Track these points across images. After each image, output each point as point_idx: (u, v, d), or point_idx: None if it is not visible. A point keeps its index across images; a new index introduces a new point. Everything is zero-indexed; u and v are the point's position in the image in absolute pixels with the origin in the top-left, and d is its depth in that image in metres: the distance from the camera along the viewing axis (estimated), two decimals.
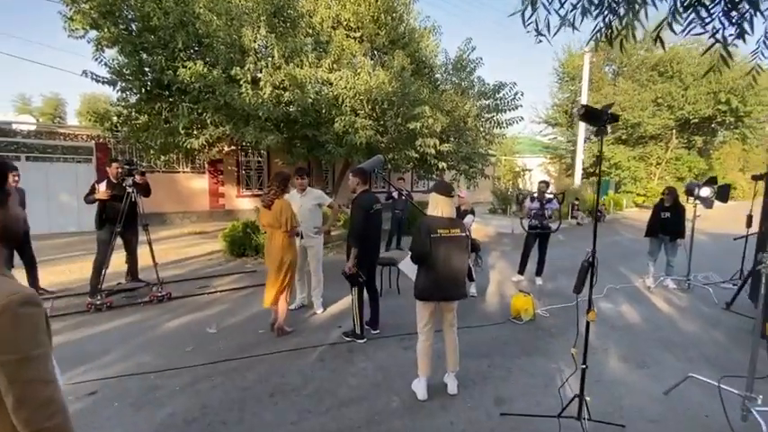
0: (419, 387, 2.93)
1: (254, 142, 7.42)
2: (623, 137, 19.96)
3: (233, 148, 11.81)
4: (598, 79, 20.39)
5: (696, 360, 3.72)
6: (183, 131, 7.36)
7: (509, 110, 10.32)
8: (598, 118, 2.24)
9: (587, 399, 2.41)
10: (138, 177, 4.72)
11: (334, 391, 3.01)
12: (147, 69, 7.46)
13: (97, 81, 7.32)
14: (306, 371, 3.30)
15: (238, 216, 12.29)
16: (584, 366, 2.41)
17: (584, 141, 18.03)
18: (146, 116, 8.13)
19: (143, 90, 7.70)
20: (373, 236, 3.88)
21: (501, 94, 10.24)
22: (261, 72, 7.42)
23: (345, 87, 7.72)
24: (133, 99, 7.98)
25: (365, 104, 7.80)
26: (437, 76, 10.70)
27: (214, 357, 3.49)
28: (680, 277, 6.17)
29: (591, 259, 2.32)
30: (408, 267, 3.17)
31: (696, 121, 19.00)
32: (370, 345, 3.84)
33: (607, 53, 20.91)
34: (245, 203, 12.88)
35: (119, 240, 4.79)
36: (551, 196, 6.72)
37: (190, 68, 6.87)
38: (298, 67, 7.76)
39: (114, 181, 4.83)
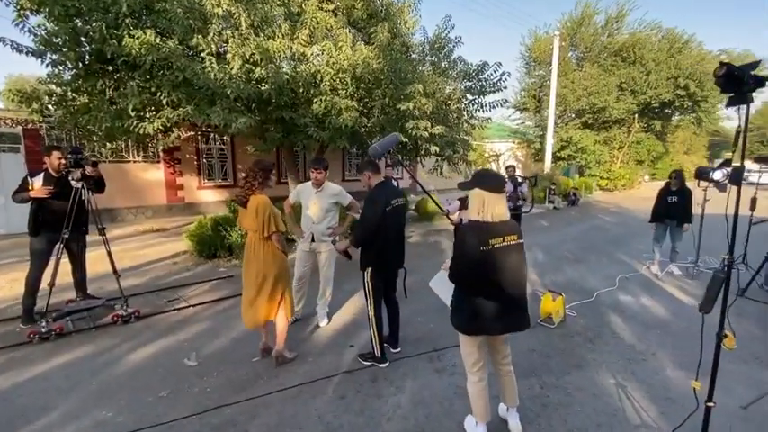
0: None
1: (221, 126, 6.38)
2: (589, 121, 20.33)
3: (191, 133, 10.53)
4: (564, 64, 20.50)
5: (750, 360, 3.38)
6: (133, 114, 6.18)
7: (493, 92, 9.85)
8: (740, 82, 1.68)
9: None
10: (88, 169, 3.69)
11: None
12: (83, 39, 6.16)
13: (19, 51, 5.94)
14: (326, 415, 2.58)
15: (201, 210, 11.09)
16: (711, 404, 1.88)
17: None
18: (85, 96, 6.81)
19: (80, 64, 6.38)
20: (393, 238, 3.18)
21: (485, 75, 9.70)
22: (227, 43, 6.35)
23: (327, 63, 6.83)
24: (68, 75, 6.62)
25: (348, 83, 6.95)
26: (414, 55, 9.96)
27: (200, 404, 2.68)
28: (686, 263, 6.01)
29: (728, 270, 1.78)
30: (442, 286, 2.52)
31: (657, 105, 19.67)
32: (394, 368, 3.18)
33: (571, 38, 21.08)
34: (207, 196, 11.63)
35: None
36: (522, 179, 6.96)
37: (138, 38, 5.70)
38: (269, 38, 6.76)
39: (55, 174, 3.77)
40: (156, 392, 2.81)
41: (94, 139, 7.60)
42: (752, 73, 1.70)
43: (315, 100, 6.99)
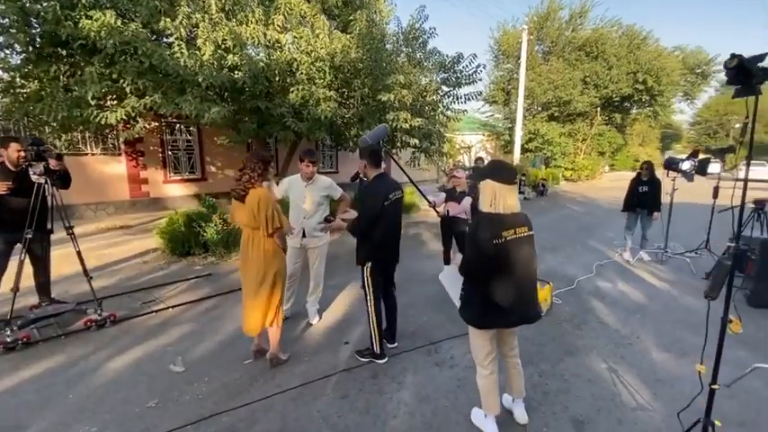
0: (488, 426, 2.31)
1: (193, 116, 6.02)
2: (555, 114, 21.00)
3: (156, 124, 9.91)
4: (531, 58, 20.99)
5: (743, 343, 3.56)
6: (93, 103, 5.70)
7: (468, 84, 9.91)
8: (749, 74, 1.72)
9: (717, 423, 1.98)
10: (52, 162, 3.34)
11: None
12: (33, 20, 5.60)
13: None
14: (331, 417, 2.50)
15: (168, 205, 10.53)
16: (715, 387, 1.96)
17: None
18: (36, 82, 6.21)
19: (30, 47, 5.80)
20: (390, 232, 3.10)
21: (460, 67, 9.73)
22: (197, 28, 5.98)
23: (305, 51, 6.59)
24: (17, 60, 6.00)
25: (327, 72, 6.74)
26: (388, 46, 9.83)
27: (194, 413, 2.52)
28: (655, 250, 6.34)
29: (734, 256, 1.84)
30: (451, 280, 2.48)
31: (617, 99, 20.61)
32: (393, 364, 3.13)
33: (538, 32, 21.61)
34: (174, 190, 11.05)
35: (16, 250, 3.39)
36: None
37: (97, 20, 5.26)
38: (242, 24, 6.43)
39: (13, 169, 3.40)
40: (143, 403, 2.61)
41: (47, 129, 6.97)
42: (759, 65, 1.74)
43: (291, 89, 6.75)
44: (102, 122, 6.05)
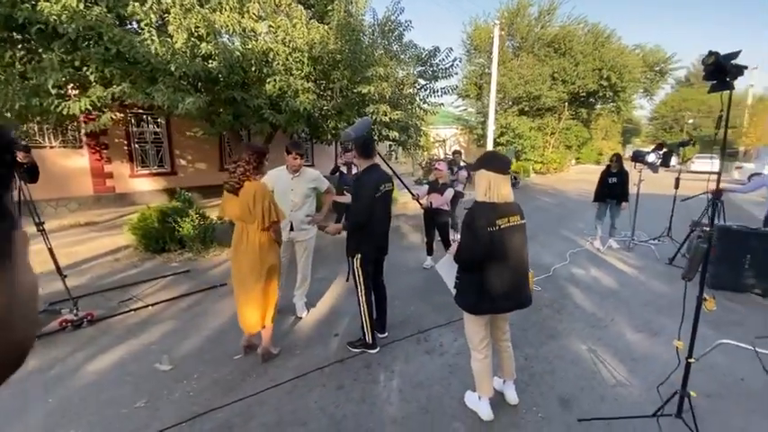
0: (482, 407, 2.40)
1: (165, 106, 5.76)
2: (525, 108, 21.56)
3: (122, 115, 9.41)
4: (502, 53, 21.40)
5: (690, 320, 3.88)
6: (53, 91, 5.36)
7: (445, 77, 10.01)
8: (724, 71, 1.85)
9: (692, 394, 2.15)
10: (20, 155, 3.13)
11: (379, 431, 2.32)
12: None
13: None
14: (328, 407, 2.51)
15: (135, 200, 10.11)
16: (692, 360, 2.12)
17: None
18: None
19: None
20: (379, 224, 3.12)
21: (437, 60, 9.81)
22: (168, 14, 5.71)
23: (282, 41, 6.43)
24: None
25: (305, 63, 6.62)
26: (366, 38, 9.75)
27: (186, 410, 2.46)
28: (623, 238, 6.69)
29: (710, 240, 1.99)
30: (447, 269, 2.54)
31: (584, 94, 21.41)
32: (384, 354, 3.17)
33: (508, 28, 22.03)
34: (142, 185, 10.57)
35: None
36: (464, 164, 7.22)
37: (57, 2, 4.92)
38: (215, 11, 6.20)
39: None
40: (131, 403, 2.52)
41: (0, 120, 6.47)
42: (732, 62, 1.88)
43: (268, 80, 6.58)
44: (65, 113, 5.70)
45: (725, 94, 1.89)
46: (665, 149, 6.00)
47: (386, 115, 7.35)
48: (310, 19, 7.57)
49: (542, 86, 19.99)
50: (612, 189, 6.45)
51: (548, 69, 20.27)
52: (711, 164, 20.55)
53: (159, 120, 10.65)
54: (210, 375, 2.83)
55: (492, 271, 2.13)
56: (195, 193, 9.95)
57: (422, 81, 9.92)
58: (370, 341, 3.15)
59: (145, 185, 10.61)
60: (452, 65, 9.68)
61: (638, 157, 6.15)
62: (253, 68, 6.54)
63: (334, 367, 2.96)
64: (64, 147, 9.11)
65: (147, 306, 3.99)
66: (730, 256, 4.78)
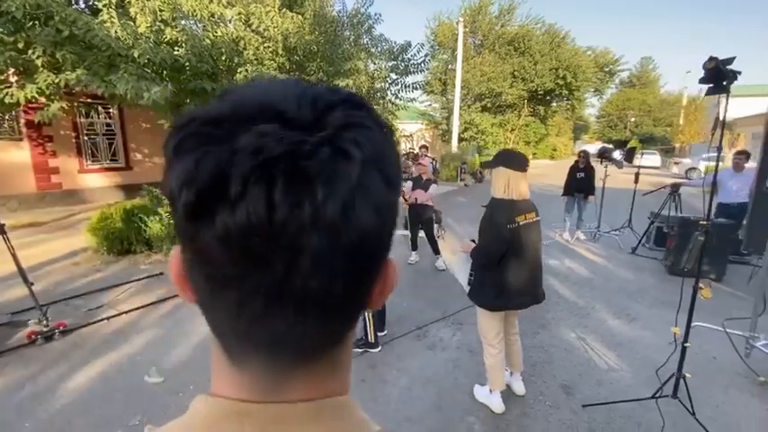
0: (494, 400, 2.45)
1: (128, 96, 5.30)
2: (488, 105, 22.23)
3: (68, 105, 8.58)
4: (465, 50, 21.88)
5: (658, 305, 4.18)
6: None
7: (417, 72, 10.04)
8: (721, 75, 1.99)
9: (687, 376, 2.32)
10: None
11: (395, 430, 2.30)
12: None
13: None
14: None
15: (85, 198, 9.34)
16: (687, 345, 2.28)
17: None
18: None
19: None
20: None
21: (408, 55, 9.81)
22: None
23: (255, 29, 6.14)
24: None
25: (279, 53, 6.37)
26: (342, 30, 9.56)
27: None
28: (590, 229, 7.10)
29: (706, 234, 2.14)
30: (459, 266, 2.58)
31: (542, 92, 22.42)
32: (387, 352, 3.15)
33: (471, 25, 22.53)
34: (93, 181, 9.75)
35: None
36: (430, 159, 7.27)
37: None
38: None
39: None
40: (124, 421, 2.32)
41: None
42: (728, 68, 2.02)
43: (239, 70, 6.27)
44: (7, 101, 5.11)
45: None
46: (628, 147, 6.41)
47: None
48: (281, 8, 7.28)
49: (504, 84, 20.68)
50: (580, 183, 6.82)
51: (508, 67, 21.01)
52: (652, 160, 22.47)
53: (111, 110, 9.85)
54: (208, 385, 2.66)
55: (510, 268, 2.17)
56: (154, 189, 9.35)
57: (393, 75, 9.89)
58: (373, 340, 3.11)
59: (96, 182, 9.80)
60: (424, 60, 9.74)
61: (604, 154, 6.53)
62: (223, 57, 6.19)
63: None
64: (0, 139, 8.17)
65: (121, 314, 3.69)
66: (687, 244, 5.21)
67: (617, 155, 6.29)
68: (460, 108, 21.02)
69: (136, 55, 5.08)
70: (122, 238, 5.51)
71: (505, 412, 2.44)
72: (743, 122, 23.86)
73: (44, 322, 3.06)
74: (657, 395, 2.37)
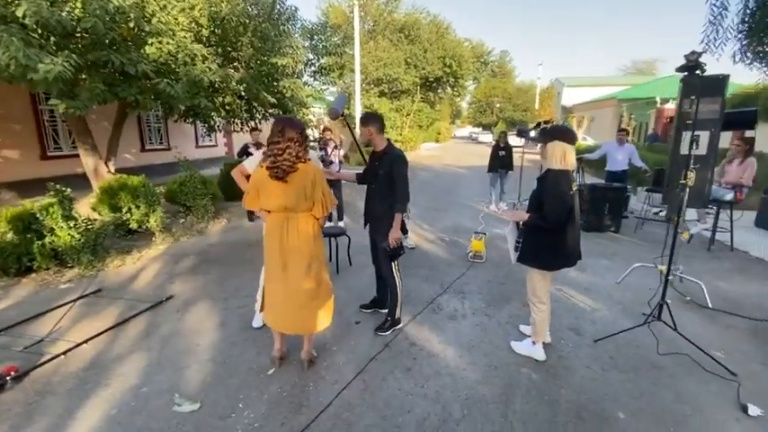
0: (537, 351, 2.79)
1: (11, 69, 4.02)
2: (385, 90, 22.89)
3: None
4: (360, 35, 22.00)
5: (591, 255, 5.11)
6: None
7: (333, 54, 9.87)
8: (698, 66, 2.55)
9: (668, 302, 2.97)
10: None
11: (485, 395, 2.43)
12: None
13: None
14: (415, 389, 2.46)
15: None
16: (669, 278, 2.92)
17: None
18: None
19: None
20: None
21: (323, 37, 9.56)
22: None
23: None
24: None
25: (205, 24, 5.57)
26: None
27: None
28: (512, 201, 8.11)
29: (685, 189, 2.75)
30: (511, 236, 2.83)
31: (432, 80, 23.99)
32: (414, 329, 3.23)
33: (362, 10, 22.69)
34: None
35: None
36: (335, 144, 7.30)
37: None
38: None
39: None
40: None
41: None
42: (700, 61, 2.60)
43: (150, 41, 5.30)
44: None
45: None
46: (542, 127, 7.46)
47: (301, 90, 6.85)
48: None
49: (398, 70, 21.50)
50: (502, 160, 7.72)
51: (401, 54, 21.87)
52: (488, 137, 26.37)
53: None
54: (256, 401, 2.37)
55: (568, 231, 2.48)
56: (6, 191, 7.45)
57: (311, 56, 9.52)
58: (399, 315, 3.18)
59: None
60: (342, 42, 9.60)
61: (522, 133, 7.50)
62: (131, 24, 5.13)
63: (383, 354, 2.86)
64: None
65: (80, 344, 2.94)
66: (595, 206, 6.42)
67: (533, 134, 7.28)
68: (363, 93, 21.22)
69: (19, 14, 3.87)
70: (18, 255, 4.27)
71: (547, 360, 2.79)
72: (579, 108, 29.50)
73: None
74: (649, 321, 2.99)
